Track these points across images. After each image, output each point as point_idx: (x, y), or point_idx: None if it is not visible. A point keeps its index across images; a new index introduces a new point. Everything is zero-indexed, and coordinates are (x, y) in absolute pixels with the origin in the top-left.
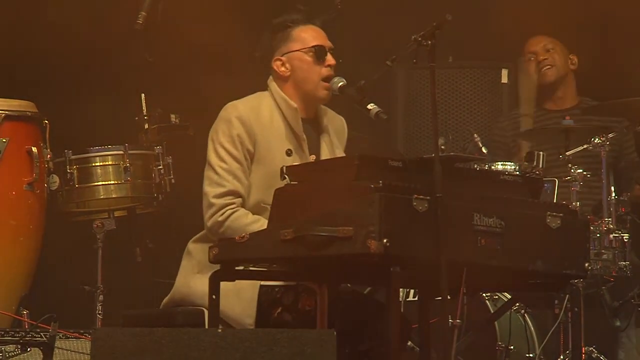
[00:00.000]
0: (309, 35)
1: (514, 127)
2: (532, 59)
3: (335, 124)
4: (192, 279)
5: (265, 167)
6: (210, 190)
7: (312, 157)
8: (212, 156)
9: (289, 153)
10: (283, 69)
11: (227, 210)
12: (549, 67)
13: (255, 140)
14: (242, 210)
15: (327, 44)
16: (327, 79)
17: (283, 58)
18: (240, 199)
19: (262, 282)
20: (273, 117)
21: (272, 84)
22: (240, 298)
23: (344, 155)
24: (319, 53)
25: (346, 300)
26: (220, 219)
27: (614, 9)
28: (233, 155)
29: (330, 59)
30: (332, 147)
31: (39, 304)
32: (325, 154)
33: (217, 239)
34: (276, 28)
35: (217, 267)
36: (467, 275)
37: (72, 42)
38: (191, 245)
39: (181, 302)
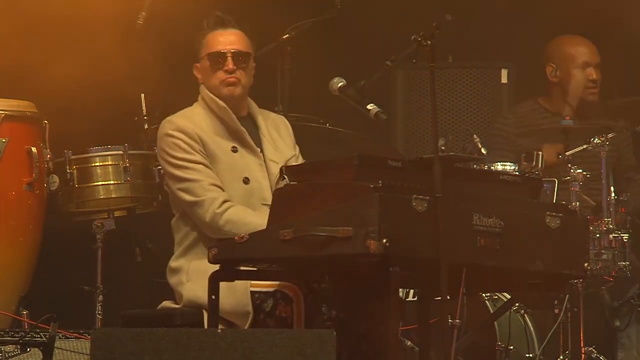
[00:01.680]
0: (213, 41)
1: (518, 125)
2: (586, 70)
3: (276, 123)
4: (183, 288)
5: (220, 165)
6: (189, 196)
7: (258, 150)
8: (173, 171)
9: (234, 150)
10: (198, 75)
11: (223, 202)
12: (595, 90)
13: (203, 142)
14: (239, 205)
15: (230, 47)
16: (226, 84)
17: (198, 65)
18: (224, 192)
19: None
20: (208, 122)
21: (202, 89)
22: (234, 291)
23: (290, 150)
24: (213, 59)
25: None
26: (218, 210)
27: (613, 9)
28: (190, 160)
29: (228, 63)
30: (273, 141)
31: (38, 304)
32: (267, 147)
33: (215, 241)
34: (196, 33)
35: (202, 270)
36: (466, 275)
37: (71, 42)
38: (173, 263)
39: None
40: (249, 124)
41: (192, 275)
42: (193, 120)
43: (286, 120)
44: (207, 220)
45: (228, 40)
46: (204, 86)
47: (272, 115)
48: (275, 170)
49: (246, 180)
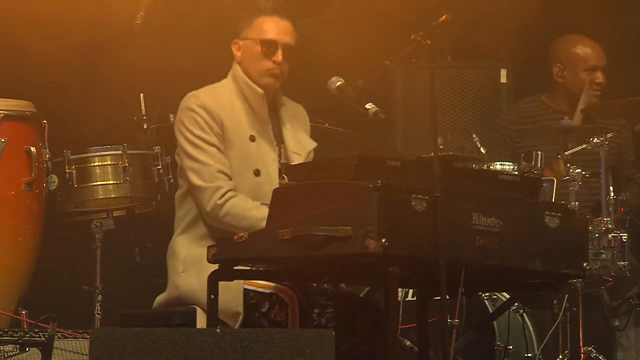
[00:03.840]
0: (267, 27)
1: (519, 121)
2: (594, 73)
3: (295, 110)
4: (179, 278)
5: (235, 151)
6: (196, 178)
7: (275, 143)
8: (186, 146)
9: (252, 138)
10: (238, 53)
11: (225, 193)
12: (599, 94)
13: (222, 125)
14: (241, 196)
15: (283, 39)
16: (271, 74)
17: (240, 42)
18: (231, 182)
19: (245, 285)
20: (233, 103)
21: (237, 69)
22: (227, 289)
23: (309, 140)
24: (267, 47)
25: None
26: (219, 201)
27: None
28: (207, 140)
29: (278, 55)
30: (294, 132)
31: (37, 304)
32: (289, 140)
33: (216, 239)
34: (246, 9)
35: (199, 263)
36: (465, 274)
37: (71, 42)
38: (175, 241)
39: (173, 303)
40: (272, 115)
41: (188, 266)
42: (219, 99)
43: (304, 110)
44: (207, 209)
45: (282, 30)
46: (241, 66)
47: (291, 104)
48: (297, 161)
49: (257, 172)
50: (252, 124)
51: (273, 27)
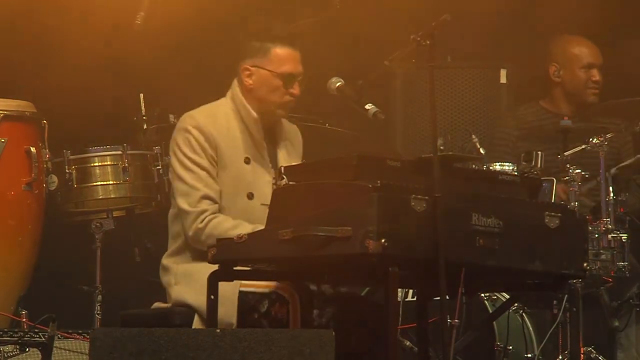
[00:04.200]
0: (284, 59)
1: (519, 127)
2: (590, 71)
3: (290, 133)
4: (172, 291)
5: (228, 173)
6: (183, 201)
7: (270, 166)
8: (177, 168)
9: (247, 161)
10: (249, 80)
11: (206, 217)
12: (597, 92)
13: (217, 147)
14: (221, 216)
15: (298, 70)
16: (287, 106)
17: (252, 69)
18: (215, 205)
19: (241, 288)
20: (230, 124)
21: (236, 89)
22: (221, 301)
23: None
24: (287, 81)
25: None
26: (200, 225)
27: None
28: (198, 163)
29: (295, 88)
30: (288, 156)
31: (37, 304)
32: (283, 163)
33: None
34: (256, 35)
35: (190, 275)
36: (465, 275)
37: (70, 42)
38: (165, 261)
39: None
40: (269, 138)
41: (180, 278)
42: (215, 120)
43: (299, 132)
44: (190, 234)
45: (297, 61)
46: (247, 91)
47: (291, 127)
48: None
49: (250, 196)
50: (248, 146)
51: (291, 60)
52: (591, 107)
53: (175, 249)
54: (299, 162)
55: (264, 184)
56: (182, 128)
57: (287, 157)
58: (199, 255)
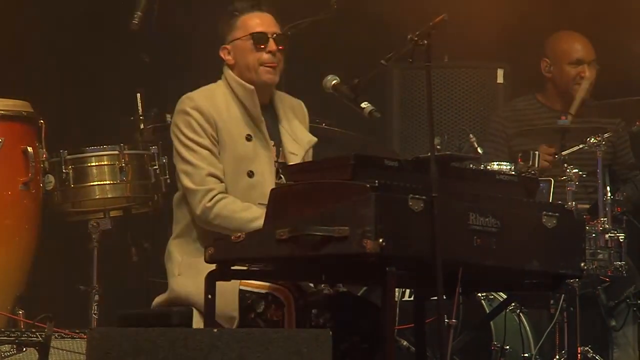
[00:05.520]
0: (252, 22)
1: (515, 120)
2: (579, 67)
3: (294, 107)
4: (174, 281)
5: (228, 153)
6: (188, 181)
7: (272, 143)
8: (180, 149)
9: (248, 138)
10: (229, 57)
11: (214, 196)
12: (588, 85)
13: (217, 127)
14: (230, 197)
15: (271, 29)
16: (267, 64)
17: (228, 46)
18: (222, 184)
19: (240, 286)
20: (228, 104)
21: (227, 71)
22: (223, 293)
23: (308, 136)
24: (257, 39)
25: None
26: (208, 204)
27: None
28: (200, 143)
29: (271, 45)
30: (293, 131)
31: (34, 304)
32: (286, 139)
33: (211, 239)
34: (224, 16)
35: (195, 266)
36: (462, 274)
37: (69, 42)
38: (171, 244)
39: (170, 305)
40: (269, 114)
41: (184, 269)
42: (214, 100)
43: (303, 104)
44: (197, 212)
45: (267, 21)
46: (233, 68)
47: (290, 99)
48: (295, 162)
49: (250, 174)
50: (247, 124)
51: (258, 21)
52: (587, 105)
53: (179, 231)
54: (306, 135)
55: (265, 161)
56: (181, 110)
57: (289, 130)
58: (204, 236)
